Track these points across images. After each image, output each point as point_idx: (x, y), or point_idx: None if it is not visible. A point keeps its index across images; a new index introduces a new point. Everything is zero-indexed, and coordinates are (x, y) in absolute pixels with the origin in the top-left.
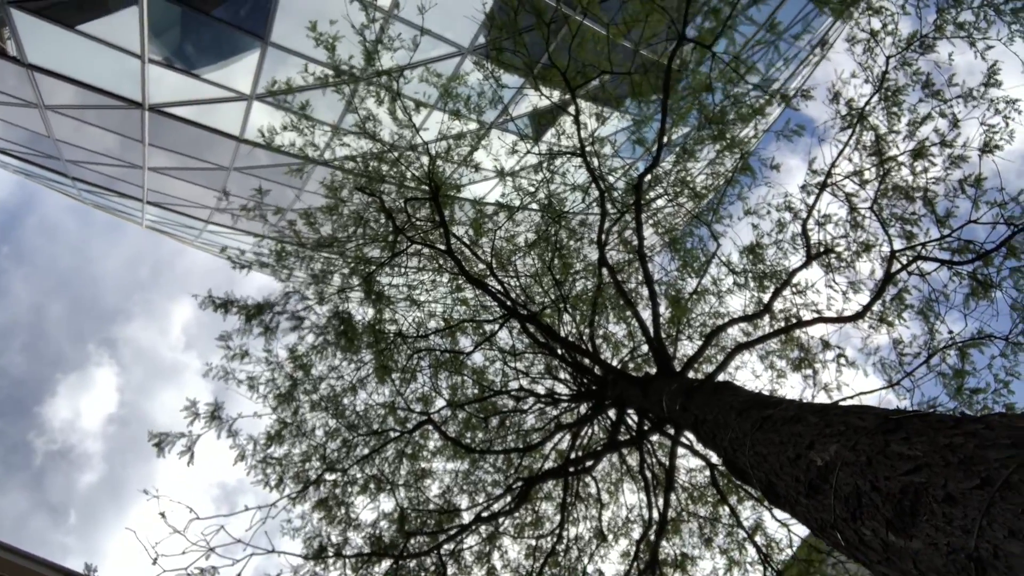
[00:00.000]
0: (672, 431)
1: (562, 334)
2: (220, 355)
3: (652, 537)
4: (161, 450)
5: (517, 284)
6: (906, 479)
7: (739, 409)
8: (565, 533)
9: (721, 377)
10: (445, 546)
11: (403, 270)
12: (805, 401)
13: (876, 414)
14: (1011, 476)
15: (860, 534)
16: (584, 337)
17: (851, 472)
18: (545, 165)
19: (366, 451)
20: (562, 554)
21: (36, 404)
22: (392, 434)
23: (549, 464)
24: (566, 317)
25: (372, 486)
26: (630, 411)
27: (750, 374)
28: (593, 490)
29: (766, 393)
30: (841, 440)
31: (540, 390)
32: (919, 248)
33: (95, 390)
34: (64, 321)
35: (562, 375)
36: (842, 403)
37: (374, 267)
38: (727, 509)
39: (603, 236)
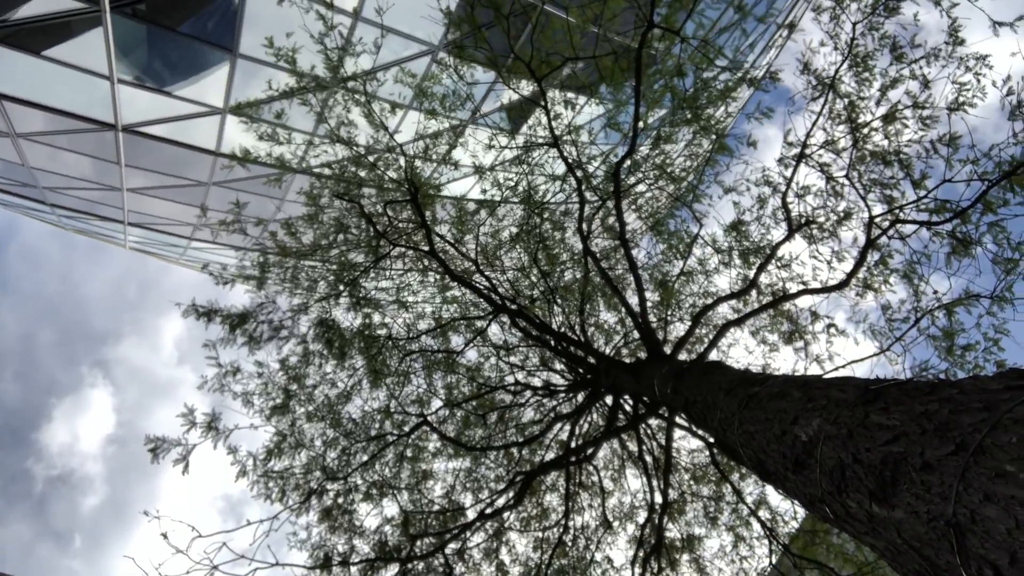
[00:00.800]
0: (667, 414)
1: (554, 326)
2: (213, 371)
3: (656, 521)
4: (156, 456)
5: (505, 278)
6: (885, 449)
7: (727, 388)
8: (571, 523)
9: (714, 355)
10: (451, 545)
11: (389, 273)
12: (789, 375)
13: (856, 385)
14: (984, 440)
15: (846, 507)
16: (575, 327)
17: (834, 446)
18: (523, 158)
19: (365, 457)
20: (570, 544)
21: (33, 431)
22: (390, 438)
23: (551, 455)
24: (556, 308)
25: (375, 492)
26: (626, 397)
27: (743, 351)
28: (596, 478)
29: (759, 369)
30: (823, 414)
31: (536, 383)
32: (897, 211)
33: (91, 412)
34: (55, 346)
35: (557, 366)
36: (834, 373)
37: (357, 273)
38: (730, 487)
39: (584, 225)
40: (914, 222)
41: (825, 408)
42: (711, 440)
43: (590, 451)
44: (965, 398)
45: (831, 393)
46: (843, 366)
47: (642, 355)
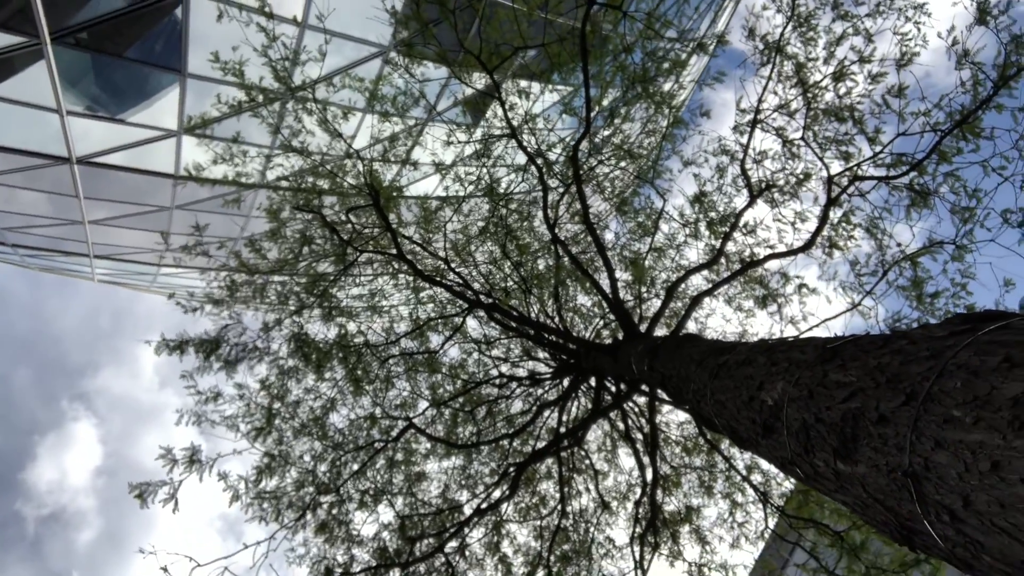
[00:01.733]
0: (648, 390)
1: (532, 315)
2: (190, 404)
3: (648, 497)
4: (144, 501)
5: (478, 273)
6: (844, 406)
7: (698, 360)
8: (569, 508)
9: (692, 327)
10: (451, 544)
11: (359, 280)
12: (755, 342)
13: (816, 345)
14: (931, 388)
15: (815, 467)
16: (553, 315)
17: (798, 407)
18: (482, 151)
19: (356, 467)
20: (570, 528)
21: (18, 472)
22: (378, 445)
23: (543, 444)
24: (532, 298)
25: (369, 500)
26: (609, 378)
27: (721, 320)
28: (589, 462)
29: (737, 336)
30: (785, 376)
31: (522, 373)
32: (855, 168)
33: (77, 446)
34: (32, 385)
35: (541, 354)
36: (808, 332)
37: (326, 284)
38: (720, 456)
39: (549, 212)
40: (872, 178)
41: (787, 370)
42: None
43: (579, 434)
44: (914, 348)
45: (792, 355)
46: (816, 325)
47: (621, 335)
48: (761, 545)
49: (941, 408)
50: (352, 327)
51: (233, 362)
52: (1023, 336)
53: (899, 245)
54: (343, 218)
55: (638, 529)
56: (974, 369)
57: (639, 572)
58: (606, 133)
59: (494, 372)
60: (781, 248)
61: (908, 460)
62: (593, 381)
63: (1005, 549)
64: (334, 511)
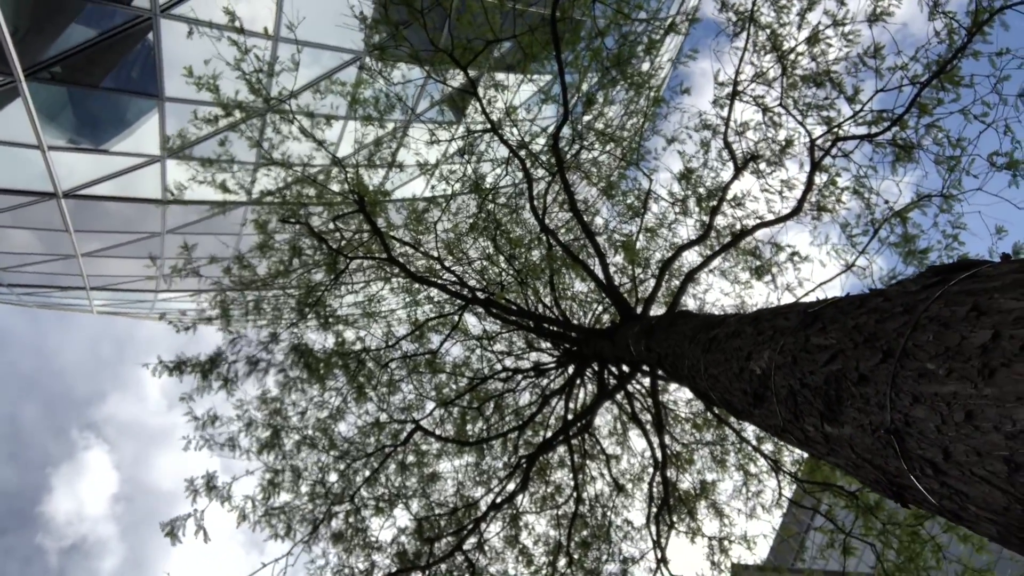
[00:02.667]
0: (648, 370)
1: (530, 306)
2: (192, 426)
3: (660, 475)
4: (175, 537)
5: (473, 269)
6: (827, 369)
7: (690, 336)
8: (584, 494)
9: (691, 304)
10: (470, 540)
11: (353, 287)
12: (744, 313)
13: (798, 311)
14: (906, 343)
15: (805, 432)
16: (550, 304)
17: (784, 374)
18: (466, 148)
19: (368, 473)
20: (587, 514)
21: (36, 506)
22: (387, 450)
23: (552, 433)
24: (529, 290)
25: (384, 505)
26: (610, 363)
27: (719, 294)
28: (600, 447)
29: (734, 309)
30: (771, 345)
31: (527, 365)
32: (836, 130)
33: (91, 474)
34: (40, 419)
35: (544, 345)
36: (805, 298)
37: (319, 293)
38: (730, 429)
39: (535, 203)
40: (854, 137)
41: (772, 338)
42: None
43: (587, 420)
44: (889, 305)
45: (777, 322)
46: (813, 290)
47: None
48: (779, 513)
49: (916, 363)
50: (350, 335)
51: (232, 380)
52: (990, 283)
53: (887, 202)
54: (332, 226)
55: (653, 509)
56: (944, 321)
57: (657, 551)
58: (588, 118)
59: (498, 367)
60: (771, 218)
61: (890, 417)
62: (596, 366)
63: (987, 497)
64: (350, 519)
